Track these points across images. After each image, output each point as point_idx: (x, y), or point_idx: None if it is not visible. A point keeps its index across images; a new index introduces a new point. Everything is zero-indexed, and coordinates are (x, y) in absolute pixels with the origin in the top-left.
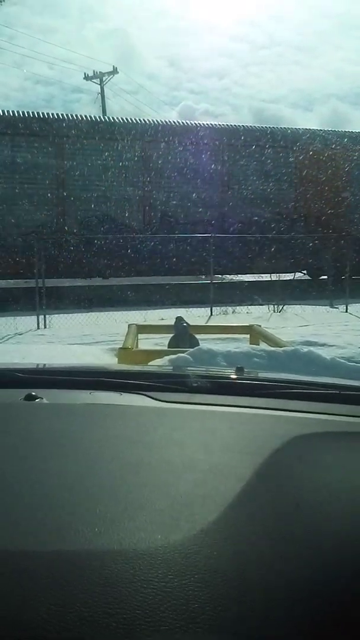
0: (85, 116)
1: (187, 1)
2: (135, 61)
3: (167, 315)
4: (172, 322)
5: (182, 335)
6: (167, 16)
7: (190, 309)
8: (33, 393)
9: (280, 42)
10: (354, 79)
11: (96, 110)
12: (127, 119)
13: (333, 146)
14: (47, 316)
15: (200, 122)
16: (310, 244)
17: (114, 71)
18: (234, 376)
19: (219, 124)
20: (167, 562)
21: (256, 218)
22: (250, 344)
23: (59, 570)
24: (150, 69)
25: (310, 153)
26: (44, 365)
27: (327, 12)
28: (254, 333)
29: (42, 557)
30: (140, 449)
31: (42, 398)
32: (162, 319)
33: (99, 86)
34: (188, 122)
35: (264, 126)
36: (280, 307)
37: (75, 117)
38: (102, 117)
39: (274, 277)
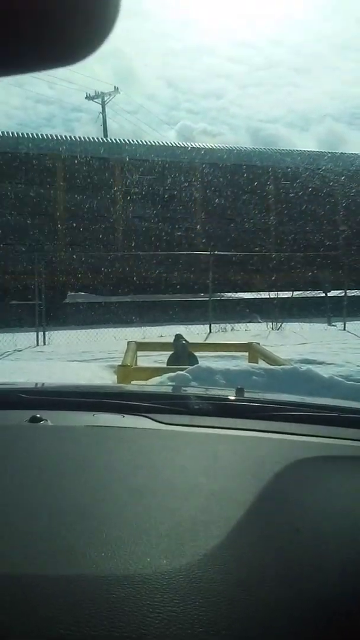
0: None
1: (185, 23)
2: (134, 81)
3: (166, 333)
4: (171, 339)
5: (181, 352)
6: (166, 38)
7: (189, 326)
8: (37, 415)
9: (277, 63)
10: (349, 100)
11: (97, 129)
12: None
13: None
14: (46, 332)
15: None
16: None
17: (116, 91)
18: (234, 398)
19: None
20: (172, 586)
21: None
22: (249, 361)
23: (66, 594)
24: (150, 89)
25: None
26: (47, 385)
27: (322, 34)
28: (253, 351)
29: (49, 580)
30: (143, 473)
31: (46, 420)
32: (162, 336)
33: (99, 105)
34: None
35: None
36: (279, 324)
37: None
38: None
39: (273, 295)
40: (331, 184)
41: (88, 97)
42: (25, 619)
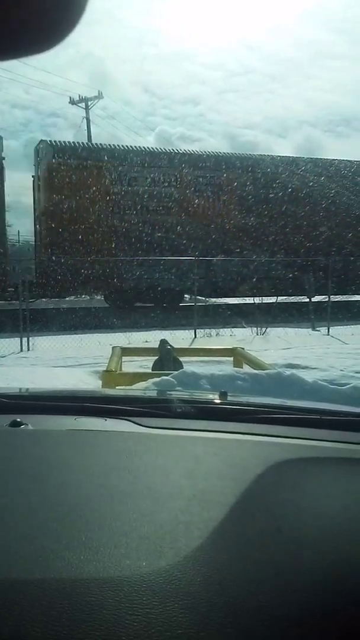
0: None
1: (160, 29)
2: (110, 87)
3: (151, 338)
4: (156, 344)
5: (166, 358)
6: (141, 44)
7: (174, 331)
8: (18, 419)
9: (253, 70)
10: (325, 107)
11: (75, 134)
12: None
13: None
14: (30, 338)
15: None
16: None
17: (99, 96)
18: (217, 401)
19: None
20: (151, 588)
21: None
22: (234, 366)
23: (45, 598)
24: (126, 94)
25: None
26: (29, 390)
27: (299, 42)
28: (238, 356)
29: (28, 584)
30: (124, 476)
31: (27, 424)
32: (147, 342)
33: (76, 111)
34: None
35: None
36: (263, 329)
37: None
38: None
39: (257, 300)
40: (314, 187)
41: (72, 102)
42: (2, 622)
